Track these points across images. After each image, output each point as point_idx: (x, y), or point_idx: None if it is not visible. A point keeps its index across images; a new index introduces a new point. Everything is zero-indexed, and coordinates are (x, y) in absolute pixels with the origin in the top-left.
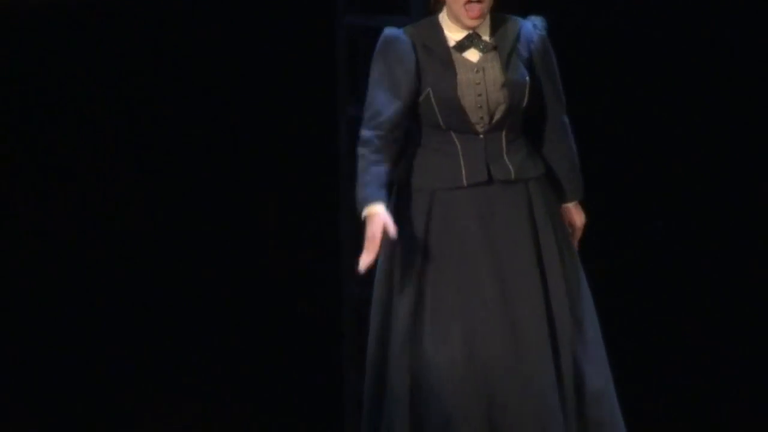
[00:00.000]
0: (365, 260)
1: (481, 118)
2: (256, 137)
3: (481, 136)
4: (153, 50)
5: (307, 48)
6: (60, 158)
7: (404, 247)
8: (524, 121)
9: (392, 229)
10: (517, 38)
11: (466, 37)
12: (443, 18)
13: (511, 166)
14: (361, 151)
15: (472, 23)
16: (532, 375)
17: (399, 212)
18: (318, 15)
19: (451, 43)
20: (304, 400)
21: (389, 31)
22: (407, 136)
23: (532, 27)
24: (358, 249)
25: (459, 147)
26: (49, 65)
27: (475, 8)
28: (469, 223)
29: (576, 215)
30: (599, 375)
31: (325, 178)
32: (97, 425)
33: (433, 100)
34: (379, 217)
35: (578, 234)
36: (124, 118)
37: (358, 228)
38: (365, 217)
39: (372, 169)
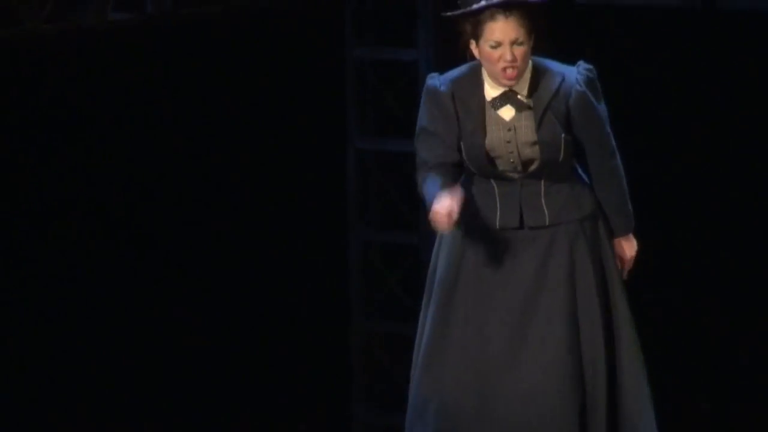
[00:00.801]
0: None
1: (515, 169)
2: (266, 168)
3: (519, 182)
4: (167, 73)
5: (317, 80)
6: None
7: (439, 280)
8: (571, 164)
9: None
10: (556, 93)
11: (502, 95)
12: (484, 71)
13: (547, 211)
14: (419, 181)
15: (508, 83)
16: (545, 419)
17: (441, 243)
18: (328, 48)
19: (488, 98)
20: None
21: (432, 81)
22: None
23: (574, 80)
24: (367, 282)
25: (497, 190)
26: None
27: (510, 74)
28: (500, 265)
29: (625, 248)
30: (639, 423)
31: (334, 210)
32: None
33: (464, 153)
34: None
35: (626, 266)
36: (141, 141)
37: (366, 260)
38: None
39: (426, 182)
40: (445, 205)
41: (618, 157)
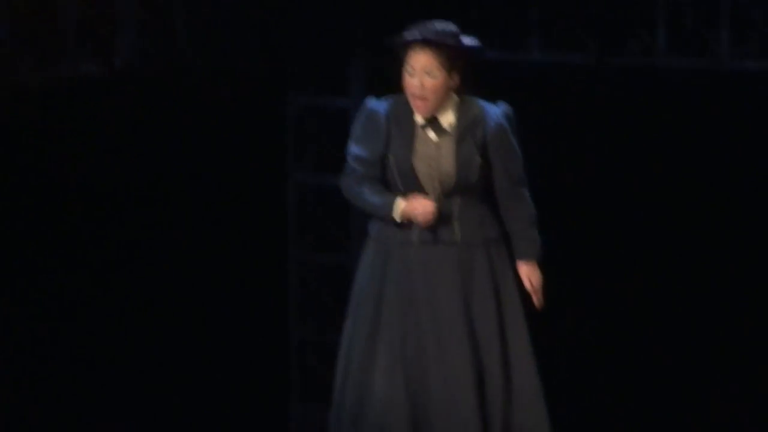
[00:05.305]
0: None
1: (434, 186)
2: (214, 197)
3: (436, 201)
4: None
5: (261, 126)
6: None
7: (365, 293)
8: (484, 190)
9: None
10: (476, 121)
11: (428, 121)
12: None
13: (459, 230)
14: (344, 186)
15: (420, 115)
16: (459, 412)
17: (365, 260)
18: (268, 93)
19: (419, 122)
20: None
21: (371, 102)
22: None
23: (495, 114)
24: (302, 286)
25: None
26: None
27: (419, 105)
28: (417, 277)
29: (530, 275)
30: (531, 413)
31: (275, 236)
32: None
33: (393, 165)
34: (411, 198)
35: (536, 294)
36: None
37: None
38: (402, 210)
39: (364, 190)
40: (426, 204)
41: (526, 186)
